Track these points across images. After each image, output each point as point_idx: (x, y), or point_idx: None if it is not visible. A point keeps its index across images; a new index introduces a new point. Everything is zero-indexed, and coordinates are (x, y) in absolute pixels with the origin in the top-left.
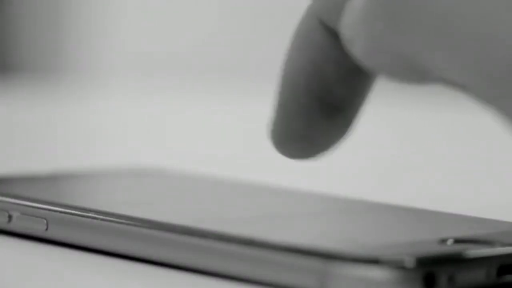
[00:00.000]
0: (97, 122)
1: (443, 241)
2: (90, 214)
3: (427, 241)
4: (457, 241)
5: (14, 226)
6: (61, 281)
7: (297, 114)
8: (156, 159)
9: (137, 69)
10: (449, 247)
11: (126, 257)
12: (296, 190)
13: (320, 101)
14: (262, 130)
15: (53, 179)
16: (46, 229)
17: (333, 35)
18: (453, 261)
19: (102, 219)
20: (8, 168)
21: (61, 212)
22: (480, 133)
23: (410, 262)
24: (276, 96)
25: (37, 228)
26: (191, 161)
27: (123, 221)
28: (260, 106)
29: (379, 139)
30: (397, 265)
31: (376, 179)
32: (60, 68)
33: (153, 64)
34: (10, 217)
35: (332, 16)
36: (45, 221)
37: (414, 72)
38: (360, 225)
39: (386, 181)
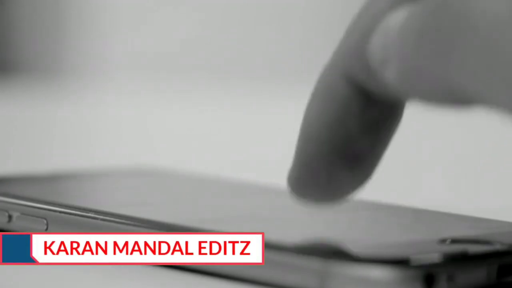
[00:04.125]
0: (97, 122)
1: (443, 241)
2: (90, 214)
3: (427, 241)
4: (457, 241)
5: (14, 226)
6: (61, 281)
7: (317, 165)
8: (156, 159)
9: (137, 69)
10: (449, 247)
11: None
12: None
13: (342, 153)
14: (262, 129)
15: (53, 179)
16: (46, 229)
17: (356, 88)
18: (453, 261)
19: (102, 219)
20: (8, 168)
21: (61, 212)
22: (480, 133)
23: (410, 262)
24: (297, 144)
25: (37, 228)
26: (191, 161)
27: (123, 221)
28: (261, 105)
29: None
30: (397, 265)
31: (376, 179)
32: (60, 68)
33: (153, 64)
34: (10, 217)
35: (356, 69)
36: (45, 221)
37: (453, 96)
38: (360, 225)
39: (386, 181)
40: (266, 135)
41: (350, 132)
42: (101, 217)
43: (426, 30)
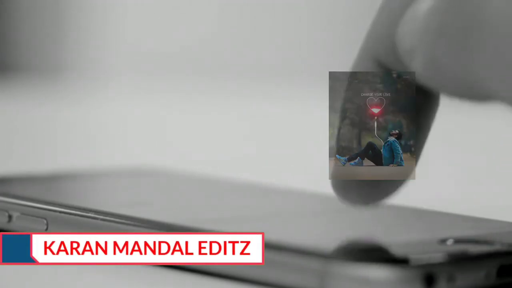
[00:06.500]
0: (97, 122)
1: (443, 241)
2: (90, 214)
3: (427, 241)
4: (457, 241)
5: (14, 226)
6: (61, 281)
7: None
8: (156, 159)
9: (137, 69)
10: (449, 247)
11: None
12: (296, 190)
13: None
14: (261, 130)
15: (53, 179)
16: (46, 229)
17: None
18: (453, 261)
19: (102, 219)
20: (8, 168)
21: (61, 212)
22: (481, 133)
23: (410, 262)
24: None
25: (37, 228)
26: (191, 161)
27: (123, 221)
28: (260, 106)
29: None
30: (397, 265)
31: None
32: (60, 68)
33: (153, 64)
34: (10, 217)
35: (388, 54)
36: (45, 221)
37: (473, 92)
38: (360, 225)
39: None
40: (267, 135)
41: None
42: (101, 217)
43: (444, 26)
